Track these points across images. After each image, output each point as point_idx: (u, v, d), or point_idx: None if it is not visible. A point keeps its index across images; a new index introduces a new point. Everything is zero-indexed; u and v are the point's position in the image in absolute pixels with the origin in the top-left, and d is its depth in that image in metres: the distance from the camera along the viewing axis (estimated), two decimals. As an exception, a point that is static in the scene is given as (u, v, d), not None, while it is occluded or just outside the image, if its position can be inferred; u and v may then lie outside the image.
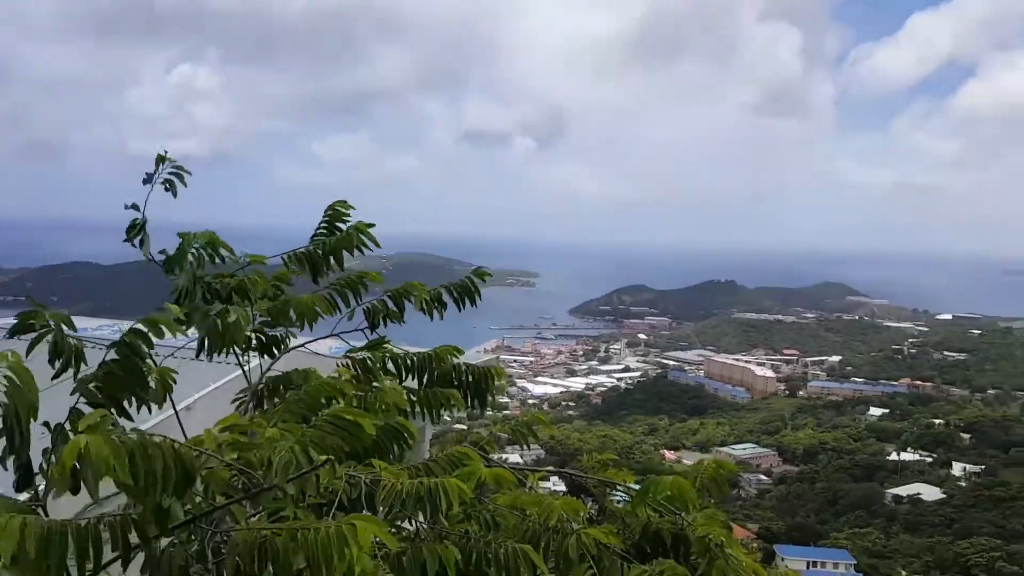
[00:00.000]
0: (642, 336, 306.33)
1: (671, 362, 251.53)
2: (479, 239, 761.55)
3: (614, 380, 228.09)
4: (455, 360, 4.54)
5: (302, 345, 4.84)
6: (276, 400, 4.39)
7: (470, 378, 4.52)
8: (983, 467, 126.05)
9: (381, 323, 4.79)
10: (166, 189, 4.28)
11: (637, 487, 3.50)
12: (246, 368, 4.68)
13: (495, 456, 4.36)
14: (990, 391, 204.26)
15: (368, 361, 4.45)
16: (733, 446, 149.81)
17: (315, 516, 2.86)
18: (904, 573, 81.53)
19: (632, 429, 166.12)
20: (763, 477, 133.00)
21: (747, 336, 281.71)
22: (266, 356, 4.71)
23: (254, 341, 4.62)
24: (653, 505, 3.36)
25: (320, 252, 4.71)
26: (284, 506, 2.85)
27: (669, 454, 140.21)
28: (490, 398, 4.46)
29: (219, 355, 4.18)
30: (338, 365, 4.46)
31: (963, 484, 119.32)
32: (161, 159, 4.29)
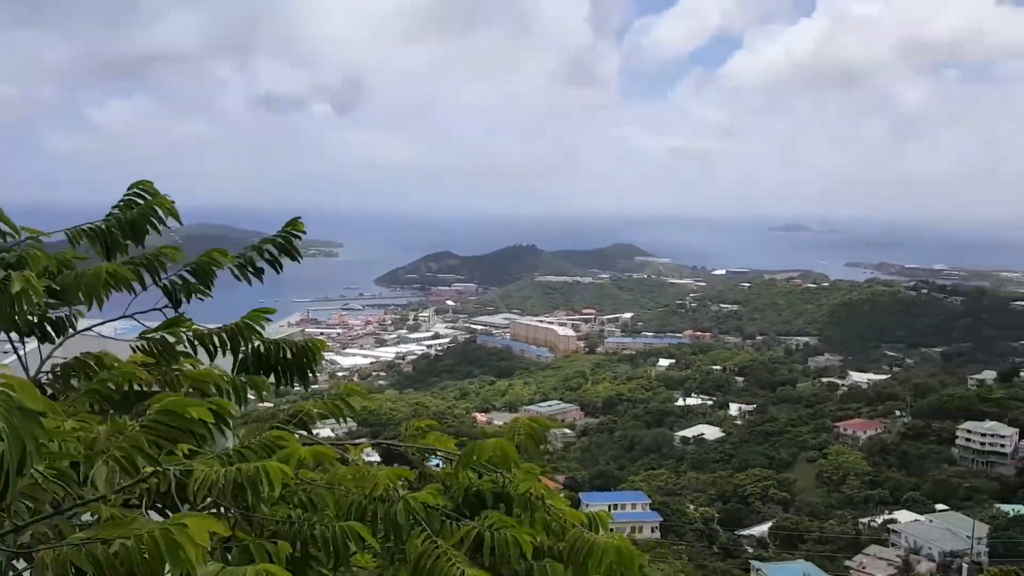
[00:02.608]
0: (450, 302, 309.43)
1: (479, 327, 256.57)
2: (279, 209, 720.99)
3: (424, 347, 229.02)
4: (266, 335, 4.20)
5: (91, 328, 4.34)
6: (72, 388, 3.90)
7: (288, 355, 4.22)
8: (755, 406, 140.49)
9: (184, 300, 4.34)
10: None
11: (458, 451, 3.56)
12: (22, 354, 4.16)
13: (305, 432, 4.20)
14: (759, 337, 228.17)
15: (167, 341, 4.08)
16: (539, 404, 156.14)
17: (126, 513, 2.65)
18: (692, 506, 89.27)
19: (444, 395, 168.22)
20: (567, 431, 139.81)
21: (549, 298, 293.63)
22: (47, 341, 4.18)
23: (35, 323, 4.08)
24: (474, 467, 3.43)
25: (116, 228, 4.20)
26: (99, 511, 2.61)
27: (480, 416, 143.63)
28: (311, 375, 4.22)
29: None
30: (133, 348, 4.08)
31: (739, 422, 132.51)
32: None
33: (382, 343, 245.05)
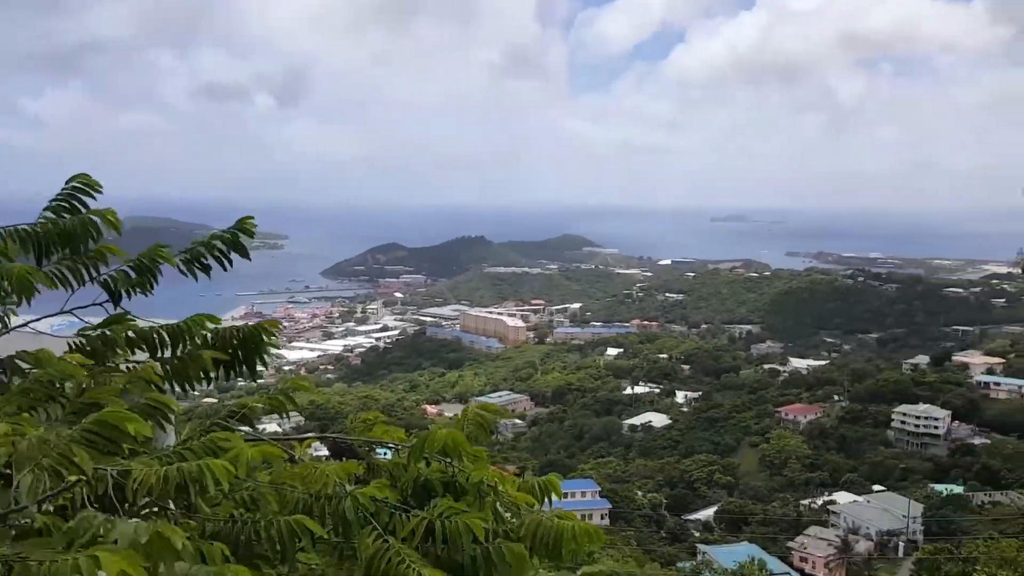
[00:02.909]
0: (398, 294, 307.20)
1: (428, 318, 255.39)
2: (221, 201, 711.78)
3: (372, 340, 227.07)
4: (214, 326, 4.04)
5: (26, 324, 4.17)
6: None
7: (236, 340, 4.01)
8: (700, 393, 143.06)
9: (125, 295, 4.18)
10: None
11: (408, 443, 3.53)
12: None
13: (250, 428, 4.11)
14: (704, 326, 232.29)
15: (107, 338, 3.95)
16: (490, 395, 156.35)
17: (61, 520, 2.57)
18: (640, 493, 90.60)
19: (393, 387, 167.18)
20: (518, 421, 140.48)
21: (498, 289, 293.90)
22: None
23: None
24: (427, 458, 3.42)
25: (51, 234, 3.98)
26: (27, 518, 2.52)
27: (431, 408, 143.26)
28: (261, 361, 4.06)
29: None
30: (70, 345, 3.95)
31: (685, 409, 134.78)
32: None
33: (329, 336, 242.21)
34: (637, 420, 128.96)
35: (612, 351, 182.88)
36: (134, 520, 2.48)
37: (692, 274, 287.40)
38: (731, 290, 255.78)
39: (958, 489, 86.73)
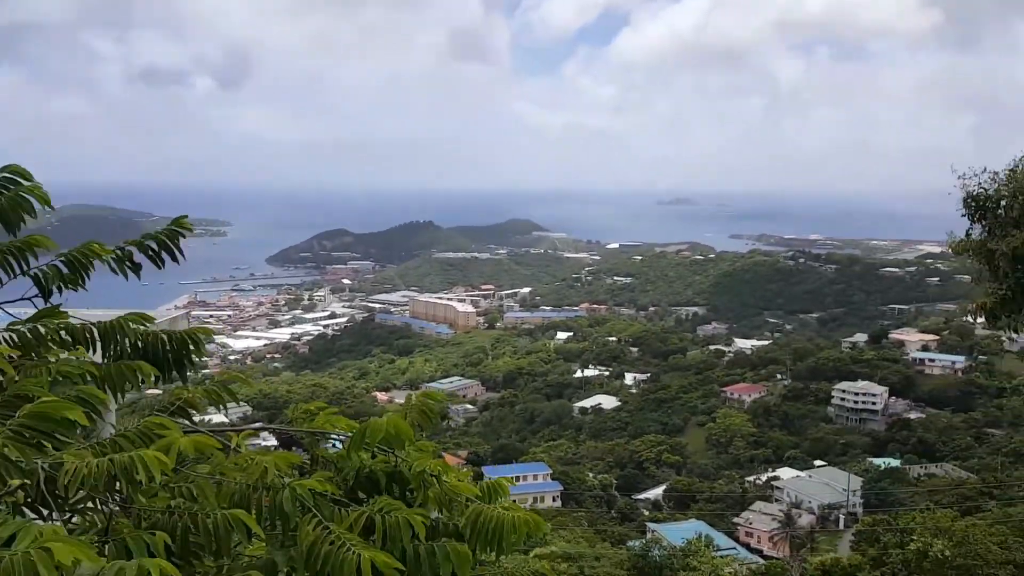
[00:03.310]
0: (346, 281, 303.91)
1: (377, 305, 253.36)
2: (162, 188, 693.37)
3: (320, 327, 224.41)
4: (147, 327, 3.95)
5: None
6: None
7: (167, 347, 3.98)
8: (649, 374, 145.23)
9: (56, 290, 4.03)
10: None
11: (352, 433, 3.49)
12: None
13: (198, 418, 4.04)
14: (651, 308, 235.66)
15: (39, 332, 3.81)
16: (440, 380, 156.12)
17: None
18: (591, 474, 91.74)
19: (343, 375, 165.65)
20: (469, 406, 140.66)
21: (447, 274, 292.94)
22: None
23: None
24: (369, 448, 3.38)
25: None
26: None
27: (381, 395, 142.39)
28: (191, 366, 4.00)
29: None
30: (-4, 340, 3.79)
31: (634, 391, 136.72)
32: None
33: (276, 324, 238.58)
34: (587, 403, 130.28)
35: (562, 335, 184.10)
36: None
37: (639, 257, 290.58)
38: (677, 273, 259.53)
39: (895, 462, 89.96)
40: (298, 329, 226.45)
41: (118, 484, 2.79)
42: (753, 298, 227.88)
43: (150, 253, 4.26)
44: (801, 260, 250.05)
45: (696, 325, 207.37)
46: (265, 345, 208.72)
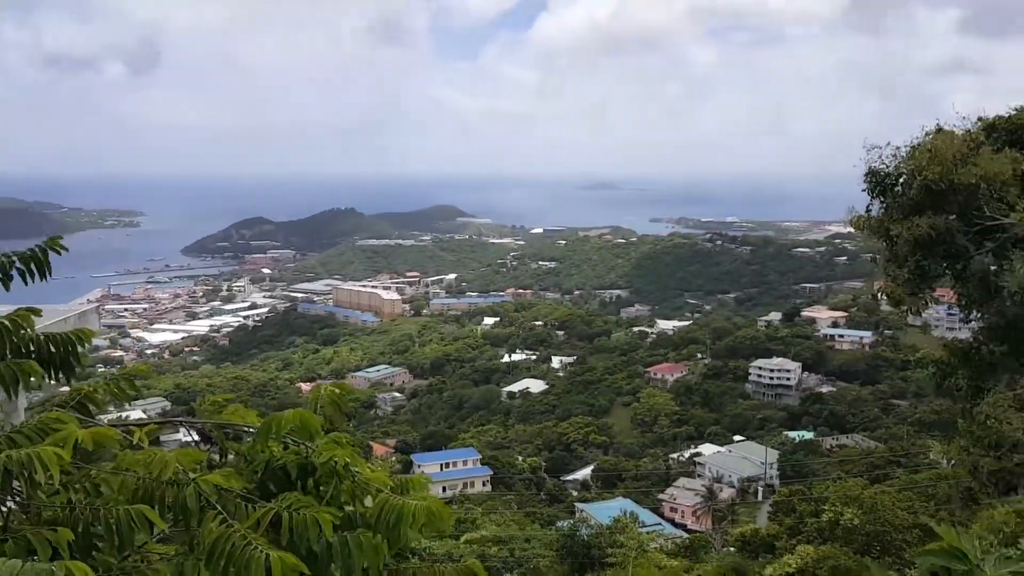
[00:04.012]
0: (266, 270, 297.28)
1: (299, 294, 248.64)
2: (72, 178, 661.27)
3: (240, 319, 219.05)
4: (31, 329, 3.76)
5: None
6: None
7: (52, 348, 3.85)
8: (575, 357, 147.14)
9: None
10: None
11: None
12: None
13: (114, 415, 3.89)
14: (576, 292, 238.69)
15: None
16: (367, 369, 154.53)
17: None
18: (520, 458, 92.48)
19: (265, 367, 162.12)
20: (397, 394, 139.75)
21: (371, 262, 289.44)
22: None
23: None
24: (278, 440, 3.29)
25: None
26: None
27: (305, 386, 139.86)
28: (78, 365, 3.83)
29: None
30: None
31: (561, 374, 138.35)
32: None
33: (194, 316, 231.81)
34: (515, 387, 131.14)
35: (488, 320, 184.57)
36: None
37: (563, 242, 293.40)
38: (601, 256, 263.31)
39: (809, 435, 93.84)
40: (217, 321, 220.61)
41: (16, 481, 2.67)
42: (673, 280, 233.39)
43: (13, 272, 4.05)
44: (718, 242, 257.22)
45: (620, 308, 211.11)
46: (183, 338, 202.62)
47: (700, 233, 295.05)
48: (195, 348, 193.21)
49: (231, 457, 3.45)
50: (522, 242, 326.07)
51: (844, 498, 28.59)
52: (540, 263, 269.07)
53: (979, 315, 11.80)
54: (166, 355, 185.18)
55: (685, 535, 51.23)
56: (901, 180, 11.25)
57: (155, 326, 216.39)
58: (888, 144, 11.51)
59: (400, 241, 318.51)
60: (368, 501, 3.16)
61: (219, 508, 2.85)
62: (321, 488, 3.21)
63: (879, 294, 12.01)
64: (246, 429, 3.49)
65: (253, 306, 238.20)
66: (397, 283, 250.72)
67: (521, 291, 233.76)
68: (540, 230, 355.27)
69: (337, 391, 3.57)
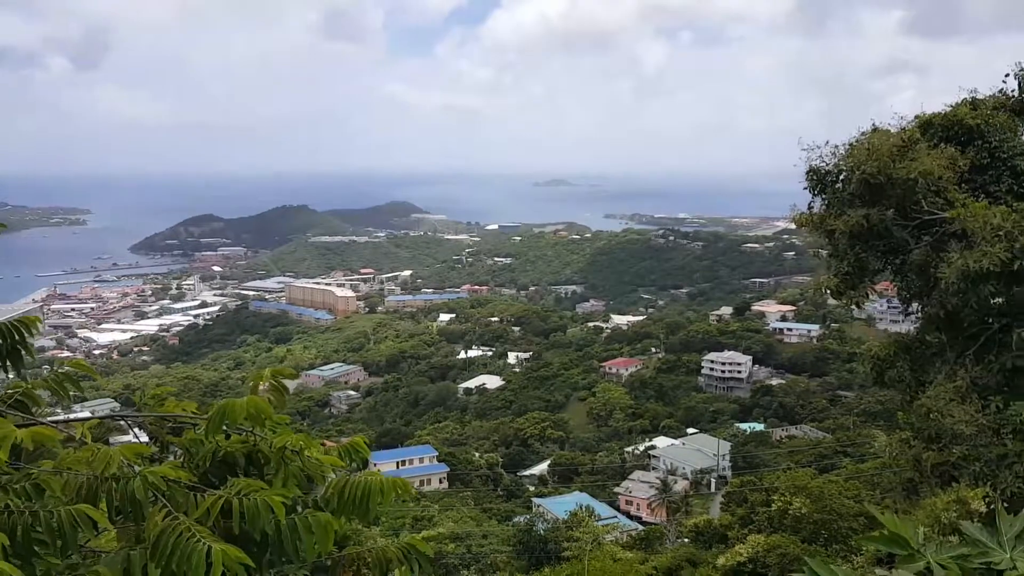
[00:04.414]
0: (217, 268, 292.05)
1: (251, 292, 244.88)
2: (15, 176, 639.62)
3: (191, 317, 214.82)
4: None
5: None
6: None
7: None
8: (531, 353, 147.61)
9: None
10: None
11: (203, 416, 3.33)
12: None
13: (62, 417, 3.78)
14: (531, 288, 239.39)
15: None
16: (321, 368, 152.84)
17: None
18: (477, 454, 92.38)
19: (216, 366, 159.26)
20: (352, 392, 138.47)
21: (325, 259, 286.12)
22: None
23: None
24: (226, 429, 3.27)
25: None
26: None
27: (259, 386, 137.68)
28: (28, 354, 3.70)
29: None
30: None
31: (517, 370, 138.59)
32: None
33: (143, 316, 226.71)
34: (472, 383, 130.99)
35: (444, 317, 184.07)
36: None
37: (518, 238, 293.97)
38: (556, 252, 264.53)
39: (759, 426, 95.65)
40: (167, 320, 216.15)
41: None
42: (628, 275, 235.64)
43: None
44: (671, 238, 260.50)
45: (575, 303, 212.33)
46: (132, 338, 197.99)
47: (653, 229, 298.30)
48: (144, 348, 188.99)
49: (175, 453, 3.40)
50: (477, 238, 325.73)
51: (792, 488, 29.28)
52: (495, 259, 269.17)
53: (919, 307, 12.19)
54: (115, 355, 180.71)
55: (640, 527, 51.88)
56: (841, 176, 11.56)
57: (103, 326, 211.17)
58: (827, 143, 11.84)
59: (354, 238, 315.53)
60: (325, 483, 3.16)
61: (165, 500, 2.82)
62: (267, 475, 3.19)
63: (821, 288, 12.33)
64: (189, 421, 3.43)
65: (203, 305, 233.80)
66: (351, 280, 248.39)
67: (477, 287, 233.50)
68: (495, 226, 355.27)
69: (278, 374, 3.54)
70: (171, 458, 3.39)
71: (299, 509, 3.13)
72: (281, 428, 3.21)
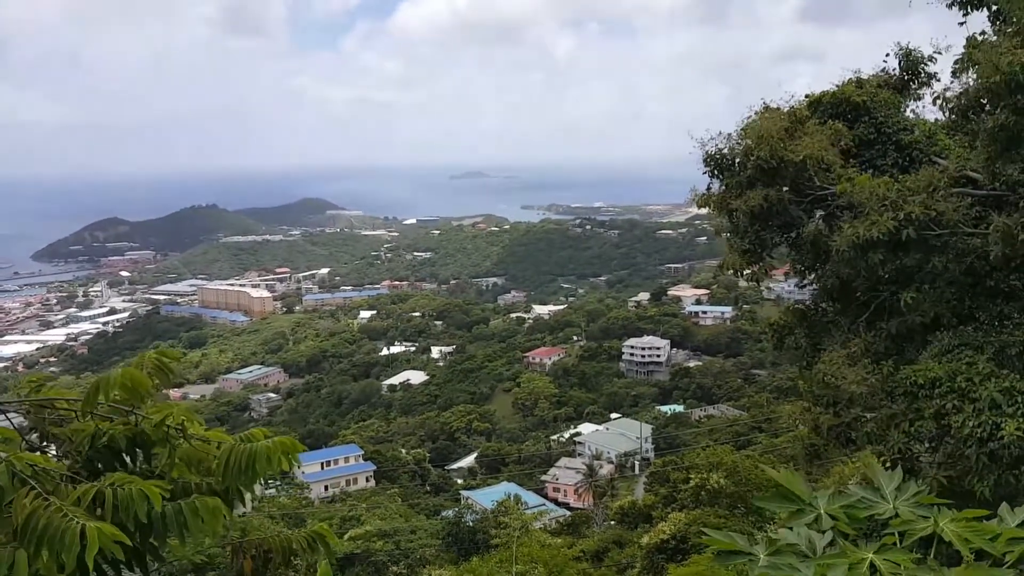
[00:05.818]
0: (125, 273, 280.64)
1: (162, 297, 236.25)
2: None
3: (99, 325, 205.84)
4: None
5: None
6: None
7: None
8: (454, 346, 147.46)
9: None
10: None
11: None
12: None
13: None
14: (452, 281, 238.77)
15: None
16: (239, 371, 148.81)
17: None
18: (404, 450, 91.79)
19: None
20: (272, 395, 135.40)
21: (238, 260, 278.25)
22: None
23: None
24: (111, 415, 3.16)
25: None
26: None
27: (175, 392, 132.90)
28: None
29: None
30: None
31: (441, 364, 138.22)
32: None
33: (49, 325, 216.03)
34: (395, 380, 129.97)
35: (365, 314, 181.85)
36: None
37: (437, 232, 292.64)
38: (475, 245, 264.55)
39: (679, 408, 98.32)
40: (74, 328, 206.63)
41: None
42: (547, 265, 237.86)
43: None
44: (588, 227, 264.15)
45: (496, 295, 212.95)
46: (38, 349, 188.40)
47: (570, 219, 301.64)
48: (51, 359, 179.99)
49: (53, 444, 3.26)
50: (395, 233, 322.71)
51: (709, 465, 30.28)
52: (415, 254, 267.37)
53: (814, 278, 12.77)
54: (19, 368, 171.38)
55: (568, 513, 52.60)
56: (736, 161, 12.01)
57: (5, 338, 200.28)
58: (720, 133, 12.29)
59: (267, 237, 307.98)
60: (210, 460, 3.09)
61: (35, 485, 2.71)
62: (153, 461, 3.11)
63: (723, 266, 12.80)
64: (70, 408, 3.29)
65: (112, 311, 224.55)
66: (267, 280, 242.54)
67: (397, 283, 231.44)
68: (413, 220, 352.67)
69: (162, 355, 3.46)
70: (54, 449, 3.26)
71: (190, 492, 3.03)
72: (162, 404, 3.12)
